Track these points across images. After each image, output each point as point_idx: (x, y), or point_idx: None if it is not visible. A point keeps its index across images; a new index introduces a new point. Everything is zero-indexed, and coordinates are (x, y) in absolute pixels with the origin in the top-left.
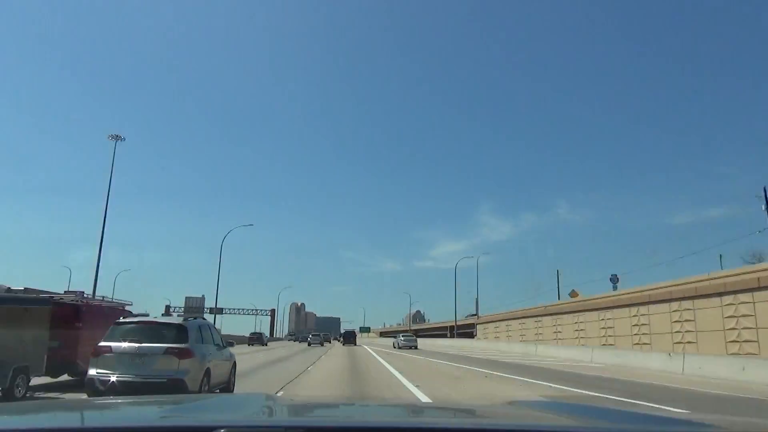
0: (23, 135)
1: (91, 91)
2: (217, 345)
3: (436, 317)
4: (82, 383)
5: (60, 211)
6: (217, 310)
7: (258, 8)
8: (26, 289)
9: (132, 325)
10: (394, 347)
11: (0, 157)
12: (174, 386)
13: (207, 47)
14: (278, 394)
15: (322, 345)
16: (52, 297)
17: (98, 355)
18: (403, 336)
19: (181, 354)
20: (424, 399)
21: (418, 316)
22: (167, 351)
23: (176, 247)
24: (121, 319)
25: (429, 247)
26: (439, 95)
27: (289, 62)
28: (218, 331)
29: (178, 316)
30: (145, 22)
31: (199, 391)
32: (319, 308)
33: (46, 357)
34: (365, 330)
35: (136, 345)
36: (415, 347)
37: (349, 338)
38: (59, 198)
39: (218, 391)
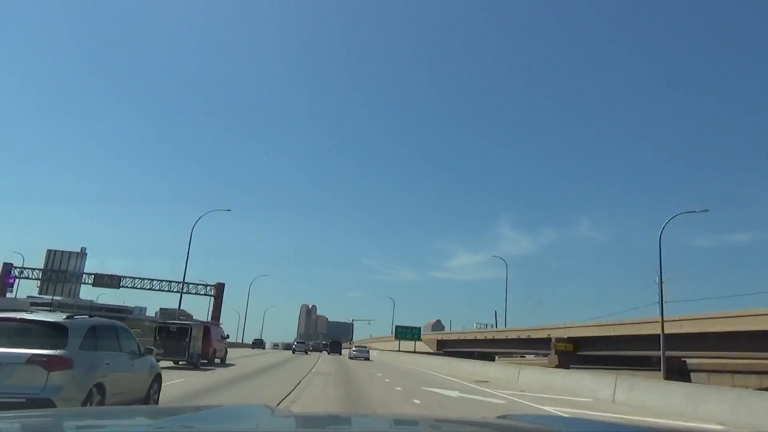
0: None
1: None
2: (131, 353)
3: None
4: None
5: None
6: (108, 280)
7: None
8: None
9: None
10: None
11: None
12: (38, 408)
13: (221, 55)
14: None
15: (307, 353)
16: (204, 322)
17: None
18: (355, 347)
19: (52, 363)
20: None
21: (438, 327)
22: (31, 359)
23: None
24: None
25: (447, 258)
26: (462, 109)
27: (310, 72)
28: (133, 335)
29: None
30: (147, 24)
31: None
32: (332, 313)
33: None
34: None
35: None
36: (367, 358)
37: (335, 348)
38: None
39: None
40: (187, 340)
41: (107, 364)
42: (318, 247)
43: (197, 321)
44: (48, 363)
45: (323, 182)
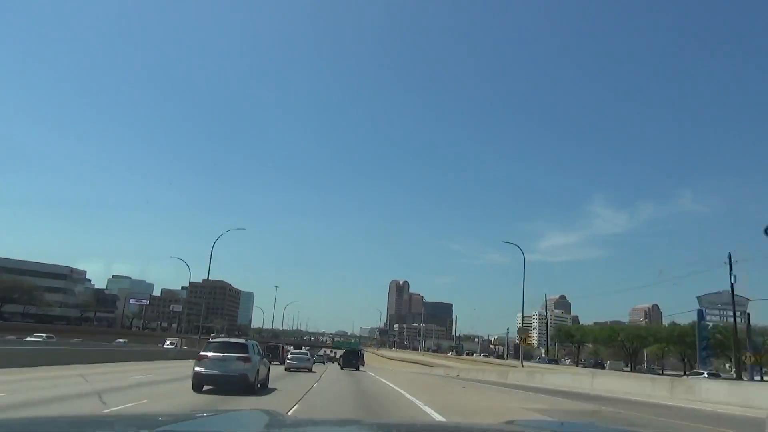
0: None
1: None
2: (260, 356)
3: (585, 313)
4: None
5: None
6: None
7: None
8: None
9: (217, 343)
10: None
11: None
12: (241, 378)
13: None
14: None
15: (319, 363)
16: (278, 344)
17: (200, 360)
18: (291, 354)
19: (245, 360)
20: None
21: (562, 303)
22: (238, 358)
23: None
24: (211, 339)
25: (536, 240)
26: (550, 88)
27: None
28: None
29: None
30: (143, 25)
31: (254, 383)
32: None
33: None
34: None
35: (221, 354)
36: (310, 369)
37: (350, 360)
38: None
39: (259, 386)
40: (278, 352)
41: (258, 361)
42: (403, 231)
43: (279, 343)
44: (244, 359)
45: (413, 167)
